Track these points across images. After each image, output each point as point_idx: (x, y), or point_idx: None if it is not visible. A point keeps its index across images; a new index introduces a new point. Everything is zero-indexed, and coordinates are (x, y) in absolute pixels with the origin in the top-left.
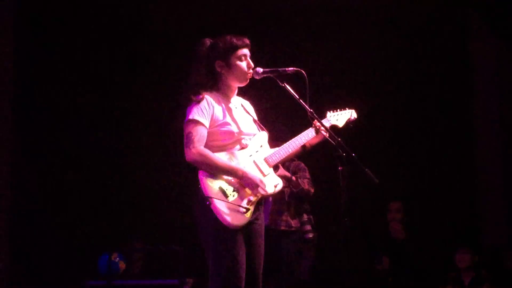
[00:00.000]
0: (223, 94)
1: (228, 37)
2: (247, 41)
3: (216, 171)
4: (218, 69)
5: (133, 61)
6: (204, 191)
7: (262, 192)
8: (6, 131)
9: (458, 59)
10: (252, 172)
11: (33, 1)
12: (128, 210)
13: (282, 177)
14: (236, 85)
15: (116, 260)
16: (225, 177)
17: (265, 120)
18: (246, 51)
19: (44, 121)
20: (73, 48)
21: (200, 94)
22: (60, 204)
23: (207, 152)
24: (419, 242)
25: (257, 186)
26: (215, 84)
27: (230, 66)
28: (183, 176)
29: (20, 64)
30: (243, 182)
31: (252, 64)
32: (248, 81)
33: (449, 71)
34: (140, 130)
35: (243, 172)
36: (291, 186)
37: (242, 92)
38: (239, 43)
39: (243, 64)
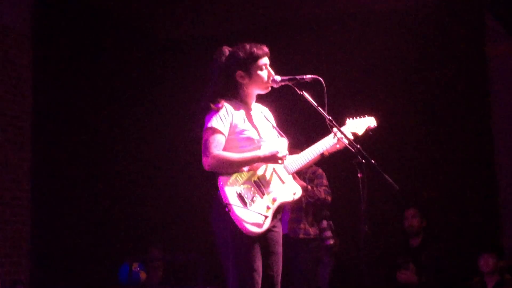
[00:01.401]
0: (242, 101)
1: (248, 46)
2: (267, 50)
3: (237, 167)
4: (239, 80)
5: (157, 71)
6: (223, 198)
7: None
8: (27, 143)
9: (475, 63)
10: (269, 148)
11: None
12: (147, 219)
13: None
14: (256, 93)
15: (137, 270)
16: (244, 185)
17: (284, 127)
18: (266, 60)
19: (65, 132)
20: (94, 56)
21: (219, 102)
22: (80, 214)
23: (223, 153)
24: (440, 250)
25: (281, 158)
26: (235, 92)
27: (251, 76)
28: (201, 184)
29: (39, 72)
30: (267, 162)
31: (272, 73)
32: (269, 89)
33: (467, 75)
34: (159, 140)
35: (264, 154)
36: (307, 195)
37: (261, 99)
38: (260, 52)
39: (264, 74)
